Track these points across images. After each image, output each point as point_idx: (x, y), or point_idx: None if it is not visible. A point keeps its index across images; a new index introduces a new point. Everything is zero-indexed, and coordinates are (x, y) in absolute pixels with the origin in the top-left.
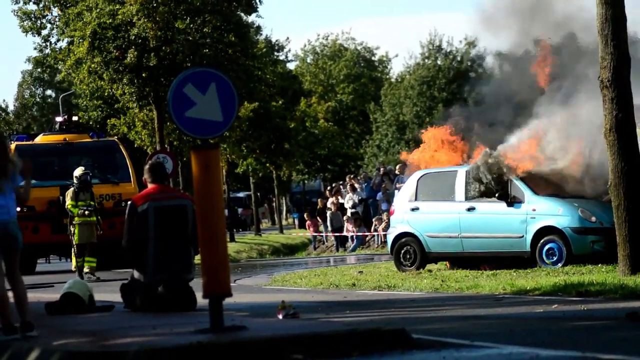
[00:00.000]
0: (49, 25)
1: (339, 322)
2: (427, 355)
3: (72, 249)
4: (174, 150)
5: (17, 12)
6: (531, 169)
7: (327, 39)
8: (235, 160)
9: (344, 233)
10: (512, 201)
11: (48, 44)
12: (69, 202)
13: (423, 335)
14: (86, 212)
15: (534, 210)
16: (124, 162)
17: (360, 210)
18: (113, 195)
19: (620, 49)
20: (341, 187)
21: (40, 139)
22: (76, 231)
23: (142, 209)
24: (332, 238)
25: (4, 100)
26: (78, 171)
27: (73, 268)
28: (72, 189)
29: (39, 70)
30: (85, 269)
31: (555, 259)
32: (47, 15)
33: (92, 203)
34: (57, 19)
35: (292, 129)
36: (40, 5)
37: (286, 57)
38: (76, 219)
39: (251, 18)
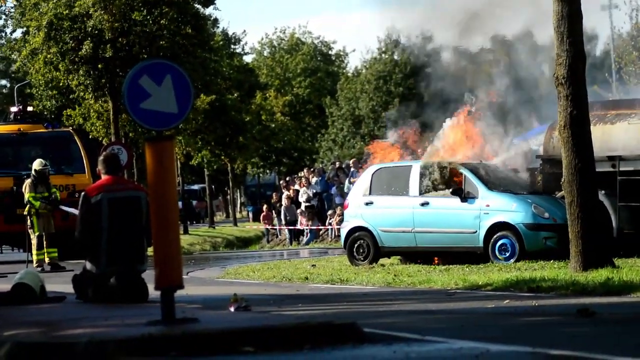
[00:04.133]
0: (3, 16)
1: (290, 316)
2: (378, 349)
3: (31, 243)
4: (130, 141)
5: None
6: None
7: (284, 33)
8: (190, 152)
9: (298, 226)
10: (466, 196)
11: (3, 34)
12: (28, 194)
13: (375, 329)
14: (47, 207)
15: (487, 205)
16: (79, 153)
17: (315, 204)
18: (67, 186)
19: (576, 46)
20: (295, 180)
21: None
22: (35, 222)
23: (96, 200)
24: (286, 231)
25: None
26: (37, 164)
27: (35, 264)
28: (29, 180)
29: None
30: (47, 260)
31: (507, 254)
32: (1, 6)
33: (46, 195)
34: (12, 10)
35: (248, 122)
36: None
37: (243, 50)
38: (40, 210)
39: (208, 10)
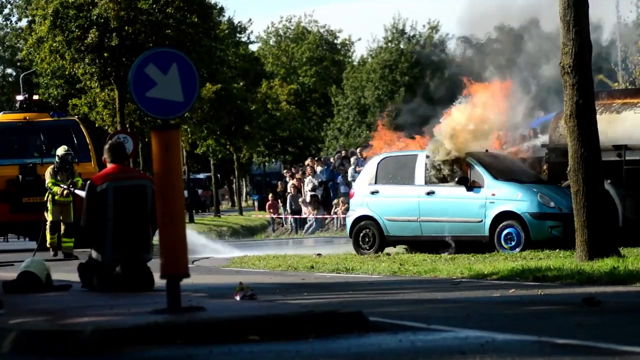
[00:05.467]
0: (8, 5)
1: (296, 304)
2: (383, 338)
3: (46, 226)
4: (135, 130)
5: None
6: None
7: (290, 22)
8: (196, 141)
9: (303, 215)
10: (472, 186)
11: (8, 22)
12: (48, 180)
13: (380, 318)
14: (64, 193)
15: (493, 195)
16: (84, 142)
17: (320, 193)
18: None
19: (582, 35)
20: (299, 169)
21: (0, 118)
22: (50, 208)
23: (101, 188)
24: (291, 220)
25: None
26: (60, 150)
27: (48, 245)
28: (51, 167)
29: None
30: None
31: (513, 243)
32: None
33: (67, 183)
34: None
35: (254, 111)
36: None
37: (248, 39)
38: (56, 197)
39: None
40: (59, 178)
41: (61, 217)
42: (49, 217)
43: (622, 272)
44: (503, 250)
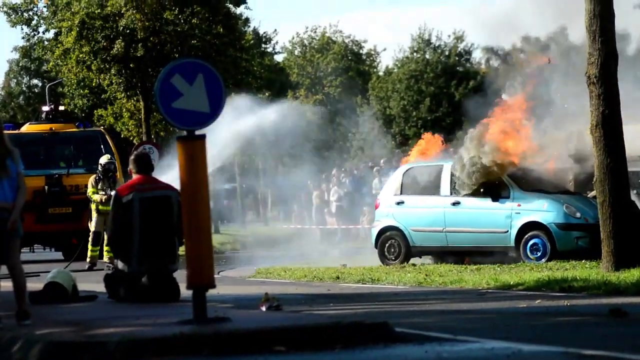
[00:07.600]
0: (35, 17)
1: (322, 315)
2: (409, 349)
3: (89, 237)
4: (161, 141)
5: (1, 7)
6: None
7: (315, 32)
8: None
9: (328, 226)
10: (498, 196)
11: (36, 33)
12: (90, 189)
13: (406, 329)
14: (103, 200)
15: (519, 205)
16: (110, 153)
17: (346, 204)
18: None
19: (607, 45)
20: (325, 179)
21: (26, 128)
22: (93, 218)
23: (127, 199)
24: (317, 231)
25: None
26: (104, 159)
27: (87, 259)
28: (93, 176)
29: (25, 59)
30: (106, 259)
31: (539, 254)
32: (33, 7)
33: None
34: (44, 10)
35: None
36: None
37: (274, 49)
38: (100, 207)
39: (239, 10)
40: (99, 187)
41: (104, 227)
42: (92, 227)
43: None
44: (529, 260)
